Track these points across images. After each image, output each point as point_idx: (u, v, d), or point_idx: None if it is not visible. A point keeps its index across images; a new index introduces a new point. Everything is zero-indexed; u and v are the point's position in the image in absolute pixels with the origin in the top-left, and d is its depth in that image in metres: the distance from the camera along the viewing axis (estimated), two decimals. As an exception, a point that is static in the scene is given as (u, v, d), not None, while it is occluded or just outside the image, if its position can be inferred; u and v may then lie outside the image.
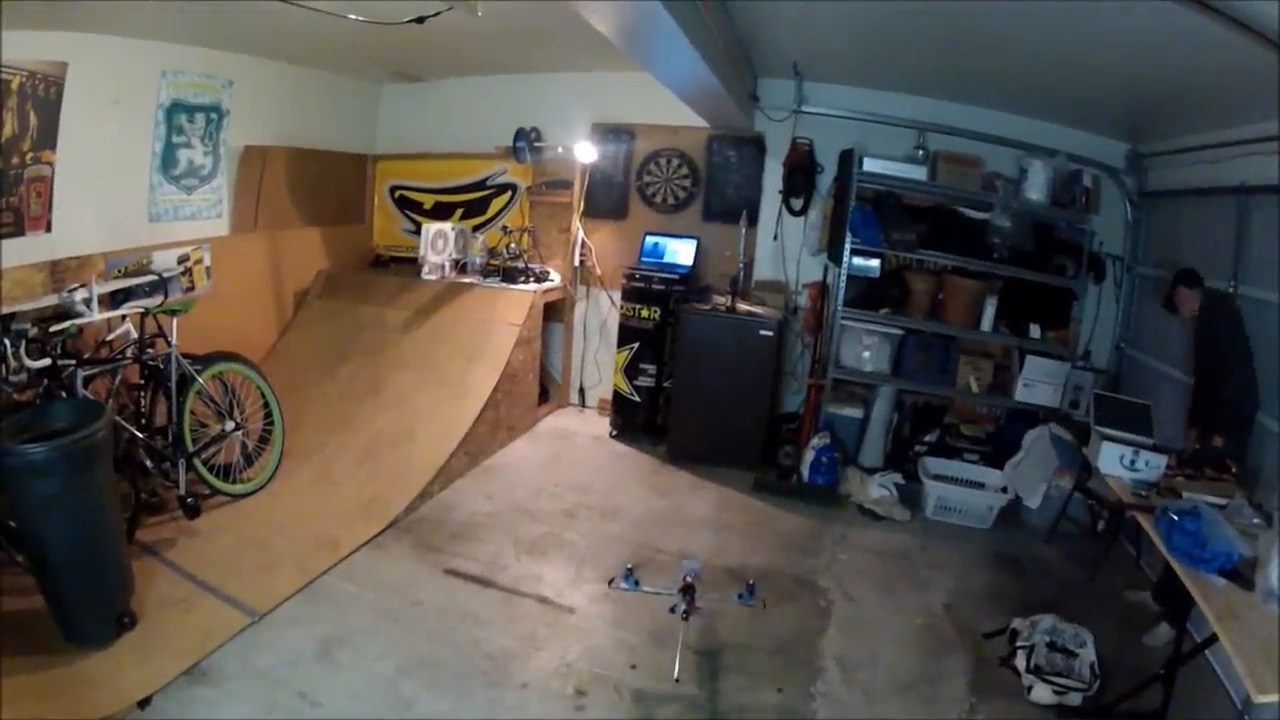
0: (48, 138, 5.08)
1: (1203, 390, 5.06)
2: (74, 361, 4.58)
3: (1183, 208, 6.33)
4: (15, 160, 4.86)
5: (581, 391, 8.77)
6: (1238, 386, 4.76)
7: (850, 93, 7.34)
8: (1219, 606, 3.20)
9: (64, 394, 4.49)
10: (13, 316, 4.47)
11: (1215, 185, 5.55)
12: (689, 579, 4.52)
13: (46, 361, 4.42)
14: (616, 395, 7.88)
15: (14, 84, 4.76)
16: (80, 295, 4.71)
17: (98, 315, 4.80)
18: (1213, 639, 3.53)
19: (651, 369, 7.63)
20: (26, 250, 5.00)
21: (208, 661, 3.91)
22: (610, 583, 4.84)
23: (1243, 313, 5.03)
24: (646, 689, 4.10)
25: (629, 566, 4.80)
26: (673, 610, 4.44)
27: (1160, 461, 4.59)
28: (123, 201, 5.83)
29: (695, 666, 4.30)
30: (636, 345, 7.63)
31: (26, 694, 3.44)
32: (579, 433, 7.99)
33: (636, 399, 7.72)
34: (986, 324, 6.81)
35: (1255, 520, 3.75)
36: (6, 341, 4.31)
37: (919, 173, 6.78)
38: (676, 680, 4.07)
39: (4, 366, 4.29)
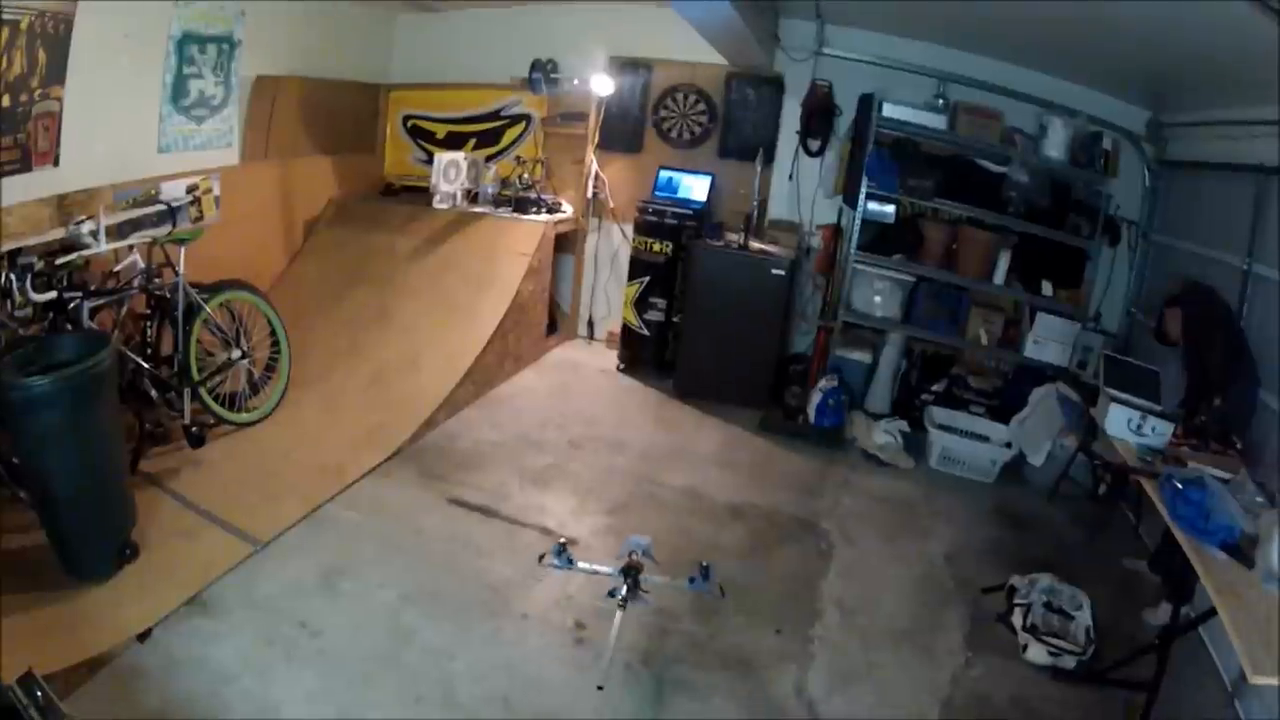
0: (56, 74, 4.97)
1: (1195, 376, 5.03)
2: (80, 293, 4.55)
3: (1201, 180, 6.22)
4: (24, 98, 4.77)
5: (590, 324, 8.77)
6: (1222, 352, 4.76)
7: (872, 38, 7.25)
8: (1219, 581, 3.20)
9: (70, 326, 4.46)
10: (19, 251, 4.44)
11: (1233, 161, 5.47)
12: (634, 556, 3.98)
13: (52, 294, 4.39)
14: (625, 329, 7.90)
15: (23, 24, 4.67)
16: (87, 227, 4.66)
17: (105, 246, 4.75)
18: (1210, 613, 3.54)
19: (661, 303, 7.64)
20: (33, 186, 4.90)
21: (209, 592, 3.94)
22: (541, 559, 4.27)
23: (1223, 297, 5.07)
24: (645, 621, 4.14)
25: (561, 540, 4.22)
26: (611, 594, 3.88)
27: (1167, 429, 4.57)
28: (131, 133, 5.72)
29: (693, 601, 4.32)
30: (647, 279, 7.63)
31: (26, 631, 3.43)
32: (587, 365, 8.01)
33: (645, 333, 7.74)
34: (999, 277, 6.79)
35: (1258, 499, 3.73)
36: (12, 276, 4.28)
37: (939, 121, 6.73)
38: (600, 689, 3.55)
39: (9, 301, 4.27)
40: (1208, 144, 5.98)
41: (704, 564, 4.14)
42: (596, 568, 4.15)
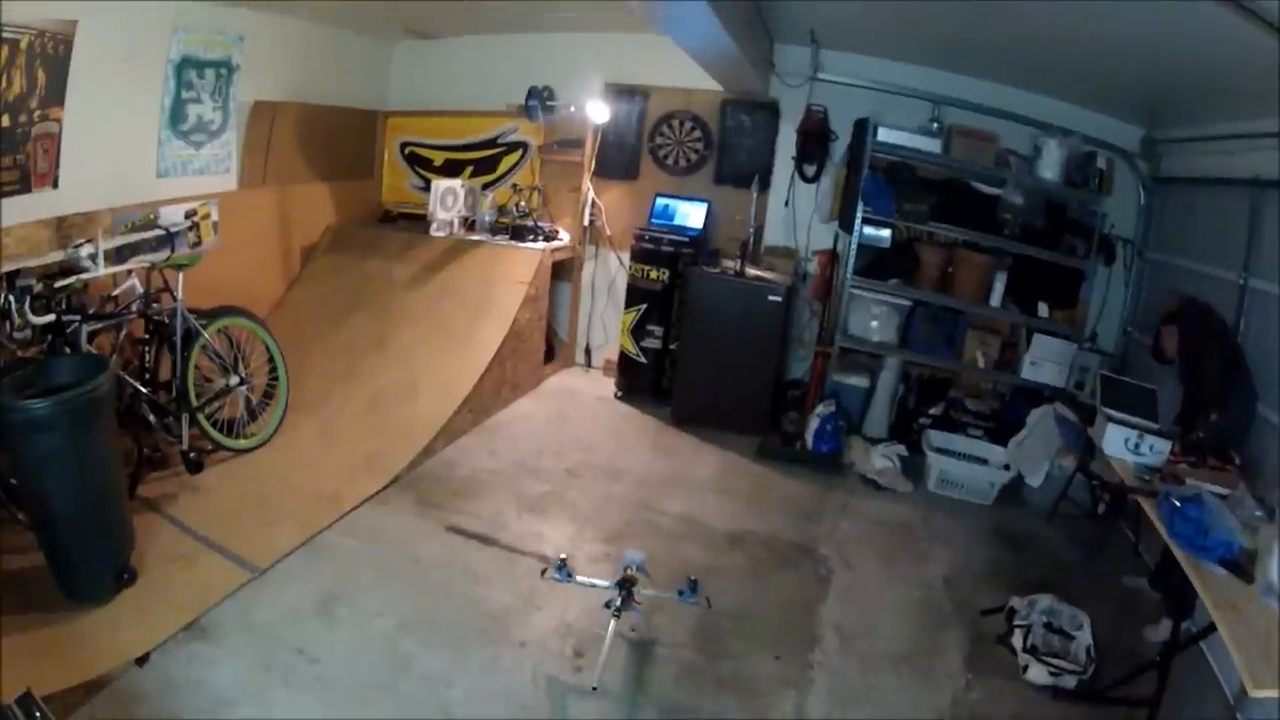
0: (56, 95, 5.00)
1: (1192, 391, 5.05)
2: (79, 317, 4.56)
3: (1196, 196, 6.27)
4: (23, 118, 4.80)
5: (588, 351, 8.76)
6: (1219, 367, 4.79)
7: (866, 62, 7.29)
8: (1218, 596, 3.20)
9: (68, 349, 4.47)
10: (18, 273, 4.43)
11: (1228, 176, 5.51)
12: (629, 571, 4.22)
13: (51, 317, 4.40)
14: (623, 356, 7.90)
15: (22, 43, 4.70)
16: (86, 250, 4.65)
17: (103, 270, 4.75)
18: (1210, 629, 3.54)
19: (658, 331, 7.64)
20: (32, 207, 4.92)
21: (207, 618, 3.93)
22: (543, 573, 4.44)
23: (1219, 313, 5.09)
24: (644, 649, 4.18)
25: (562, 557, 4.39)
26: (607, 605, 4.06)
27: (1164, 447, 4.57)
28: (130, 157, 5.77)
29: (692, 628, 4.34)
30: (644, 306, 7.64)
31: (24, 652, 3.43)
32: (584, 393, 8.00)
33: (643, 360, 7.74)
34: (995, 300, 6.79)
35: (1258, 513, 3.74)
36: (11, 298, 4.29)
37: (933, 145, 6.75)
38: (594, 689, 3.72)
39: (8, 323, 4.27)
40: (1202, 159, 6.02)
41: (691, 578, 4.29)
42: (594, 581, 4.30)
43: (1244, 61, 4.19)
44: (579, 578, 4.35)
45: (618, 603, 4.01)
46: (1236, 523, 3.54)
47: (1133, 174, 7.03)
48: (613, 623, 3.95)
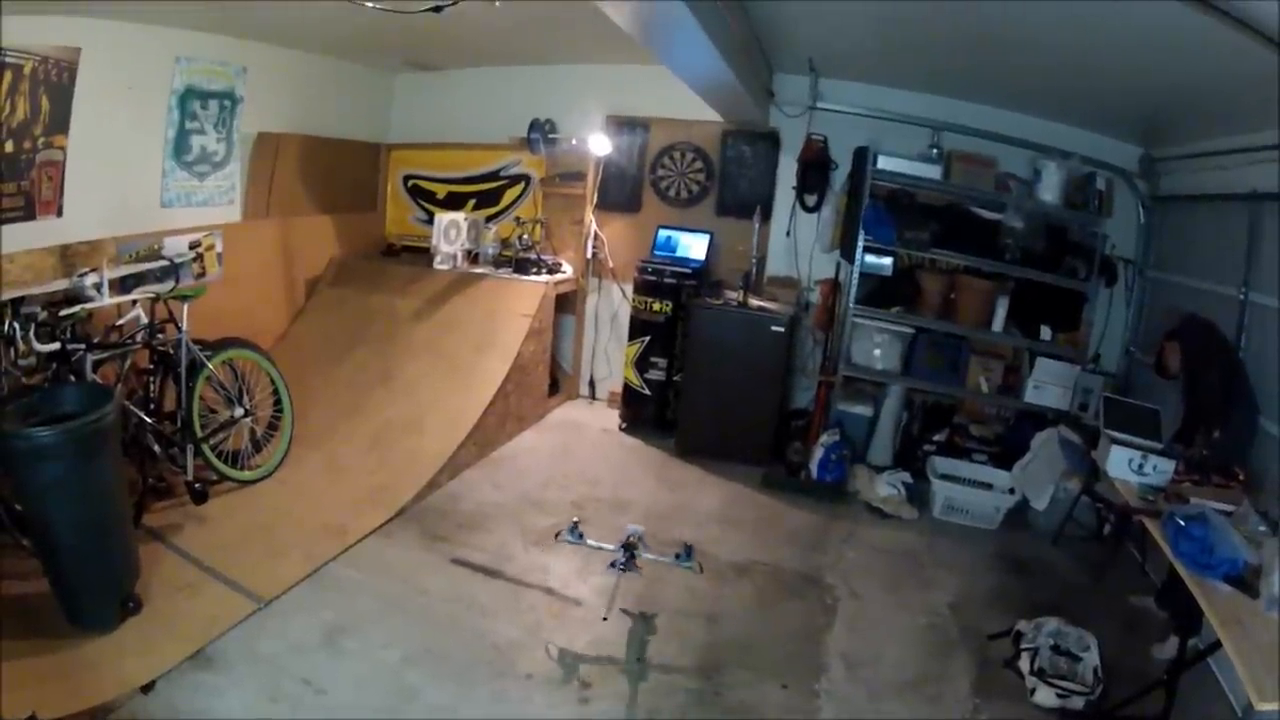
0: (60, 123, 5.07)
1: (1192, 407, 5.06)
2: (83, 346, 4.59)
3: (1195, 213, 6.30)
4: (27, 145, 4.86)
5: (592, 384, 8.76)
6: (1221, 383, 4.80)
7: (865, 90, 7.32)
8: (1223, 613, 3.18)
9: (73, 378, 4.50)
10: (22, 300, 4.47)
11: (1227, 191, 5.54)
12: (632, 538, 4.75)
13: (56, 345, 4.43)
14: (627, 388, 7.89)
15: (26, 69, 4.76)
16: (91, 280, 4.71)
17: (108, 300, 4.80)
18: (1216, 646, 3.53)
19: (662, 362, 7.63)
20: (37, 234, 4.98)
21: (212, 647, 3.92)
22: (556, 535, 4.99)
23: (1220, 329, 5.10)
24: (651, 679, 4.15)
25: (574, 520, 4.97)
26: (613, 565, 4.65)
27: (1168, 466, 4.54)
28: (135, 187, 5.83)
29: (699, 658, 4.33)
30: (648, 338, 7.63)
31: (29, 678, 3.44)
32: (589, 425, 7.98)
33: (647, 392, 7.73)
34: (998, 324, 6.79)
35: (1261, 528, 3.73)
36: (16, 325, 4.32)
37: (933, 171, 6.75)
38: (605, 619, 4.42)
39: (13, 350, 4.30)
40: (1200, 175, 6.05)
41: (686, 544, 4.95)
42: (602, 544, 4.90)
43: (1241, 75, 4.21)
44: (589, 540, 4.92)
45: (622, 561, 4.65)
46: (1241, 538, 3.53)
47: (1132, 193, 7.05)
48: (618, 576, 4.67)
